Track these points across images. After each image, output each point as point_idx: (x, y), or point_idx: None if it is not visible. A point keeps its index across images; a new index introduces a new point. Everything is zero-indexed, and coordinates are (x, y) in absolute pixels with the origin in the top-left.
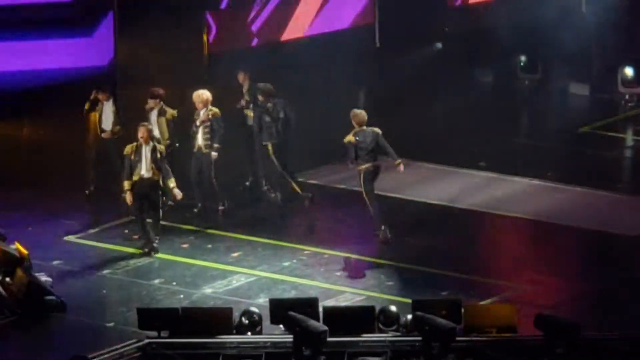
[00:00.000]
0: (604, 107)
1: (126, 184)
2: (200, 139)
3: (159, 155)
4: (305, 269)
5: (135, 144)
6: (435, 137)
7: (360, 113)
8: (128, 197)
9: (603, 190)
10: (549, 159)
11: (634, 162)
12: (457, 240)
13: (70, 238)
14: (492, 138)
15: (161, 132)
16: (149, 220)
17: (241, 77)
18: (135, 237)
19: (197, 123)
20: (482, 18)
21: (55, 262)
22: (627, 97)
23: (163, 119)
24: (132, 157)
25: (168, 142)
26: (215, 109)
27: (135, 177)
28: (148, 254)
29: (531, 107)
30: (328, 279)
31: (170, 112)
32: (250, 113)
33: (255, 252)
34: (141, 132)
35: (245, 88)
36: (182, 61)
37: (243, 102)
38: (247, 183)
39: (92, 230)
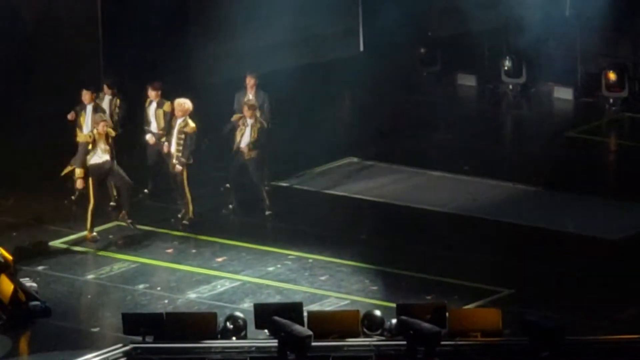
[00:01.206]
0: (588, 111)
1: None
2: (173, 147)
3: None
4: (290, 273)
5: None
6: (419, 141)
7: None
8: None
9: (588, 194)
10: (534, 164)
11: (617, 167)
12: (441, 244)
13: (55, 243)
14: (476, 142)
15: (158, 124)
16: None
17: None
18: (120, 242)
19: (174, 131)
20: (466, 22)
21: (40, 268)
22: (611, 100)
23: (161, 111)
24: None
25: (162, 132)
26: (192, 124)
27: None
28: None
29: (515, 111)
30: (312, 283)
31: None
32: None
33: (240, 257)
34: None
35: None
36: None
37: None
38: (228, 185)
39: (76, 236)
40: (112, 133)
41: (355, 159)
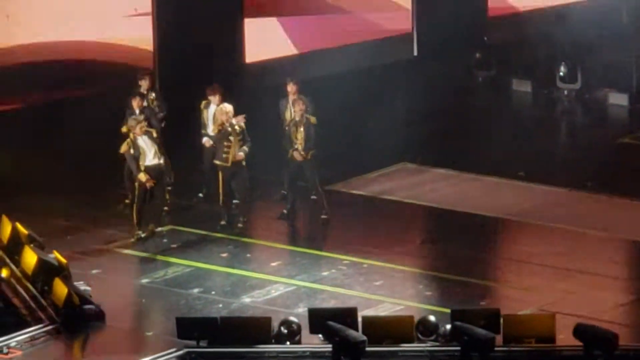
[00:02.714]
0: None
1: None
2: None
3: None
4: (345, 278)
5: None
6: (474, 147)
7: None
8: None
9: None
10: (588, 169)
11: None
12: (496, 249)
13: (109, 247)
14: (531, 148)
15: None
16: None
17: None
18: (175, 245)
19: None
20: (522, 28)
21: (94, 271)
22: None
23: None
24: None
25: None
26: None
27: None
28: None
29: (570, 117)
30: (367, 288)
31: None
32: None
33: (294, 262)
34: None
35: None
36: None
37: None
38: (283, 192)
39: (131, 239)
40: (154, 133)
41: (409, 164)
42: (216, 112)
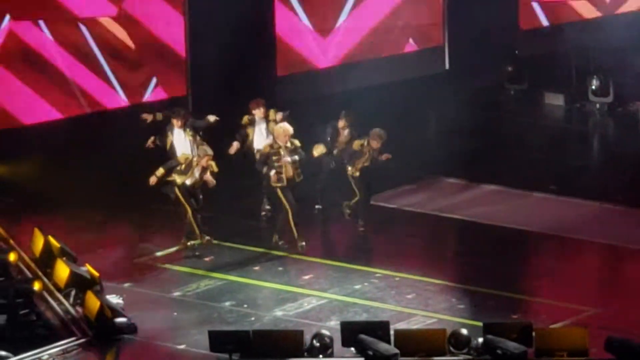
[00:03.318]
0: None
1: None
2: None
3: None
4: (377, 291)
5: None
6: (506, 160)
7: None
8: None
9: None
10: (620, 183)
11: None
12: (528, 263)
13: (142, 260)
14: (563, 161)
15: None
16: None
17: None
18: (207, 258)
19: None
20: (554, 41)
21: (126, 285)
22: None
23: (272, 124)
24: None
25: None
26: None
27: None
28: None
29: (602, 130)
30: (399, 301)
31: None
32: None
33: (327, 275)
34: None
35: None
36: None
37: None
38: (319, 206)
39: (163, 253)
40: (215, 168)
41: (442, 178)
42: (275, 131)
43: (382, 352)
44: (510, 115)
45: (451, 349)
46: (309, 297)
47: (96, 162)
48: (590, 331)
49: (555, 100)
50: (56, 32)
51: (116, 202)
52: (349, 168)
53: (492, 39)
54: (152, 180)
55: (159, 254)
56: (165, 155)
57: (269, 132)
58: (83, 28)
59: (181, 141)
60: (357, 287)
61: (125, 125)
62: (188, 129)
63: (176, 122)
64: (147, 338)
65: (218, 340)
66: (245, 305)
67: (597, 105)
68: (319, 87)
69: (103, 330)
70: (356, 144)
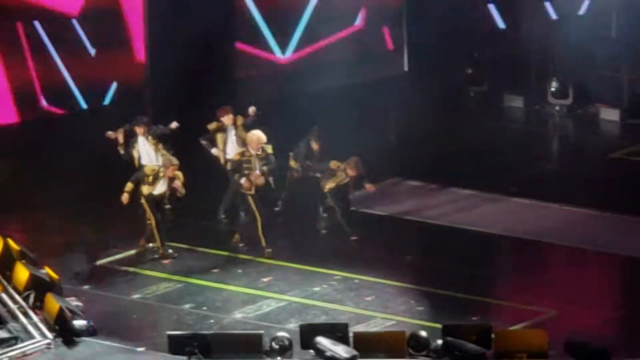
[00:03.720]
0: (634, 132)
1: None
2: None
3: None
4: (336, 294)
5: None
6: (466, 162)
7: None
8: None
9: (633, 215)
10: (579, 185)
11: None
12: (488, 265)
13: (101, 262)
14: (522, 163)
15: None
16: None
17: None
18: (166, 261)
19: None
20: (514, 43)
21: (85, 287)
22: None
23: (240, 130)
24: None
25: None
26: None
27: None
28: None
29: (562, 132)
30: (358, 304)
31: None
32: None
33: (286, 277)
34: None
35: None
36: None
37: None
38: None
39: (122, 255)
40: (181, 178)
41: (399, 180)
42: (248, 138)
43: (341, 354)
44: (470, 117)
45: (410, 351)
46: (268, 300)
47: (56, 165)
48: (549, 333)
49: (515, 102)
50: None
51: (76, 205)
52: (322, 183)
53: (452, 41)
54: (125, 198)
55: (118, 256)
56: (132, 166)
57: (239, 138)
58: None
59: (146, 150)
60: (316, 289)
61: (85, 128)
62: (150, 137)
63: (139, 130)
64: (107, 340)
65: (177, 343)
66: (205, 308)
67: (557, 107)
68: (278, 89)
69: (63, 333)
70: (334, 164)
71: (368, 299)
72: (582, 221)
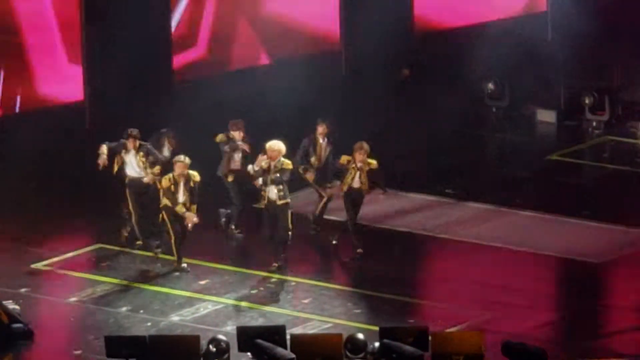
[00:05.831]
0: (571, 134)
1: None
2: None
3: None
4: (273, 296)
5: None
6: (402, 163)
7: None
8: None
9: (569, 217)
10: (516, 186)
11: (600, 190)
12: (424, 267)
13: (38, 266)
14: (459, 165)
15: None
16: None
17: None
18: (103, 264)
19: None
20: (449, 44)
21: (22, 290)
22: (594, 124)
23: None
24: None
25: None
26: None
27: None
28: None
29: (498, 134)
30: (295, 306)
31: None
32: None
33: (223, 280)
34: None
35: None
36: None
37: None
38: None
39: (59, 258)
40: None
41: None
42: (269, 147)
43: (278, 357)
44: (406, 119)
45: (347, 353)
46: (205, 302)
47: None
48: (486, 335)
49: (453, 103)
50: None
51: (10, 207)
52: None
53: (388, 43)
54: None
55: (55, 259)
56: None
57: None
58: None
59: (130, 161)
60: (254, 292)
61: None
62: (142, 153)
63: (130, 144)
64: (43, 344)
65: (114, 346)
66: (142, 311)
67: (493, 109)
68: (214, 94)
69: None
70: (343, 159)
71: (305, 301)
72: (519, 222)
